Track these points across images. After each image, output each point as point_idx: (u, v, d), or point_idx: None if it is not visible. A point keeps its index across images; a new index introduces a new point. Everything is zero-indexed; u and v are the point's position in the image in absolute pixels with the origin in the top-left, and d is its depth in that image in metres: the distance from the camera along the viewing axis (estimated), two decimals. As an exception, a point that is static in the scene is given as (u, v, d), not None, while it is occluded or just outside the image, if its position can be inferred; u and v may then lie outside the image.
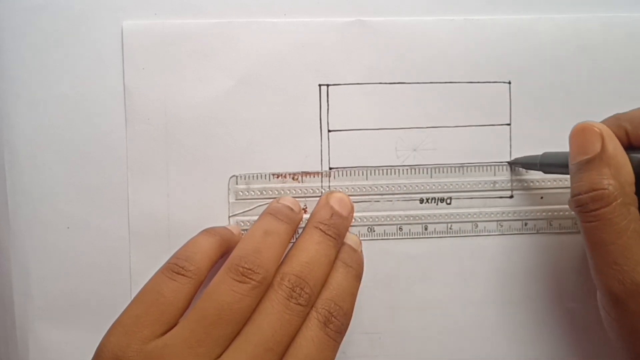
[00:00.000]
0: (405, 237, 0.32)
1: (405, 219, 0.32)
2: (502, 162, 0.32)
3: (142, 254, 0.31)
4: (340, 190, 0.31)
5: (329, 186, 0.31)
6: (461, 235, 0.32)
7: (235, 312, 0.25)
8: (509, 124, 0.32)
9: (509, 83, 0.32)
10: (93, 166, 0.31)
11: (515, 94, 0.32)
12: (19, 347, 0.31)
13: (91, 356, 0.25)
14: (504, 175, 0.32)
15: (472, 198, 0.32)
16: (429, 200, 0.32)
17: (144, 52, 0.31)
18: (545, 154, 0.29)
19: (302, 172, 0.31)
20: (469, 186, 0.32)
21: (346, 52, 0.31)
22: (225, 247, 0.28)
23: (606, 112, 0.31)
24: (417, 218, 0.32)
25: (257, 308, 0.26)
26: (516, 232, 0.32)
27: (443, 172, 0.32)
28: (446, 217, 0.32)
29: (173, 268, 0.26)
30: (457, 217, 0.32)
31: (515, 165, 0.31)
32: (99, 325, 0.31)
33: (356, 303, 0.31)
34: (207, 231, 0.29)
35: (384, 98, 0.31)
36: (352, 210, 0.31)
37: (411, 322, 0.32)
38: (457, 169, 0.32)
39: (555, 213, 0.32)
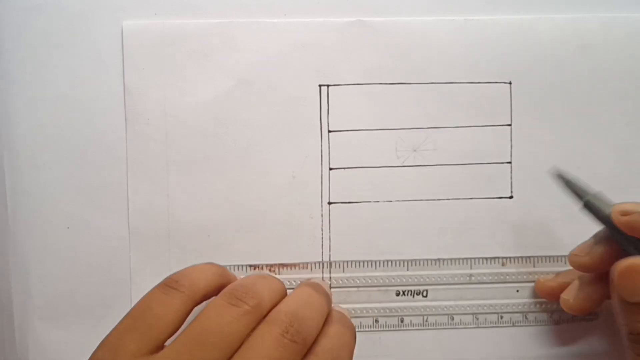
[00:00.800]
0: (382, 329, 0.31)
1: (382, 311, 0.31)
2: (502, 162, 0.32)
3: (142, 254, 0.31)
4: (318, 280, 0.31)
5: (308, 278, 0.31)
6: (437, 327, 0.32)
7: (224, 336, 0.24)
8: (509, 125, 0.32)
9: (510, 83, 0.31)
10: (93, 166, 0.31)
11: (516, 95, 0.31)
12: (19, 347, 0.31)
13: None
14: (482, 268, 0.31)
15: (448, 290, 0.32)
16: (405, 293, 0.32)
17: (144, 52, 0.31)
18: (591, 200, 0.28)
19: (279, 264, 0.31)
20: (445, 279, 0.32)
21: (346, 52, 0.31)
22: (225, 278, 0.28)
23: (607, 112, 0.32)
24: (393, 311, 0.31)
25: (248, 341, 0.24)
26: (492, 325, 0.32)
27: (420, 265, 0.31)
28: (422, 309, 0.31)
29: (167, 283, 0.26)
30: (434, 309, 0.31)
31: (562, 181, 0.29)
32: (98, 325, 0.31)
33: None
34: (209, 262, 0.29)
35: (384, 98, 0.31)
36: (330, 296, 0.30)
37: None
38: (433, 262, 0.31)
39: (532, 307, 0.32)
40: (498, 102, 0.32)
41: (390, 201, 0.32)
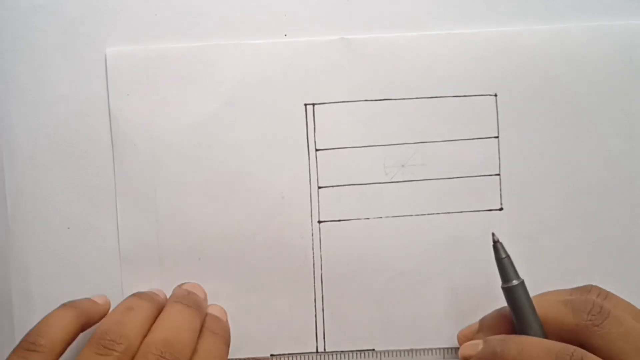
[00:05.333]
0: None
1: None
2: (491, 174, 0.32)
3: (133, 279, 0.31)
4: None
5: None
6: None
7: None
8: (497, 137, 0.32)
9: (495, 95, 0.31)
10: (93, 166, 0.31)
11: (502, 107, 0.31)
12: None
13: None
14: None
15: None
16: None
17: (128, 77, 0.31)
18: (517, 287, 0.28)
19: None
20: None
21: (330, 70, 0.31)
22: (84, 317, 0.27)
23: (594, 121, 0.31)
24: None
25: None
26: None
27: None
28: None
29: (24, 346, 0.25)
30: None
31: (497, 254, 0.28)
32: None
33: (348, 319, 0.31)
34: (64, 304, 0.28)
35: (370, 115, 0.31)
36: (206, 295, 0.31)
37: (404, 337, 0.32)
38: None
39: None
40: (484, 114, 0.31)
41: (381, 217, 0.32)
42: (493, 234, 0.28)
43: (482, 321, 0.30)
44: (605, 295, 0.27)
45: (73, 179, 0.31)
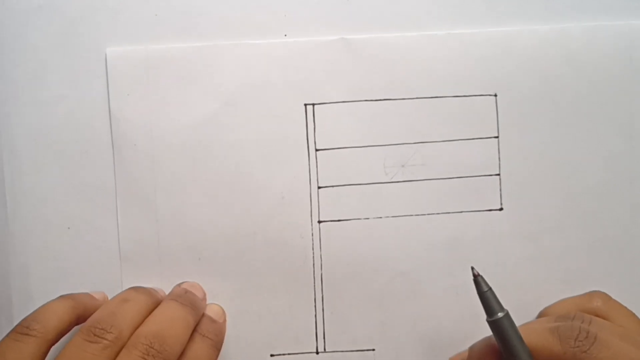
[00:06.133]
0: None
1: None
2: (491, 174, 0.32)
3: (133, 280, 0.31)
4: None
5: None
6: None
7: None
8: (497, 137, 0.32)
9: (495, 96, 0.31)
10: (93, 166, 0.31)
11: (502, 107, 0.31)
12: None
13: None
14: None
15: None
16: None
17: (129, 78, 0.31)
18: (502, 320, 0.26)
19: None
20: None
21: (330, 70, 0.31)
22: (81, 309, 0.28)
23: (594, 120, 0.31)
24: None
25: None
26: None
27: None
28: None
29: (18, 329, 0.26)
30: None
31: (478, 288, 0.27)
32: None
33: (348, 319, 0.31)
34: (62, 295, 0.28)
35: (370, 115, 0.31)
36: (205, 294, 0.31)
37: (404, 337, 0.32)
38: None
39: None
40: (484, 114, 0.31)
41: (380, 217, 0.32)
42: (473, 268, 0.27)
43: (471, 350, 0.29)
44: (590, 320, 0.27)
45: (73, 179, 0.31)
